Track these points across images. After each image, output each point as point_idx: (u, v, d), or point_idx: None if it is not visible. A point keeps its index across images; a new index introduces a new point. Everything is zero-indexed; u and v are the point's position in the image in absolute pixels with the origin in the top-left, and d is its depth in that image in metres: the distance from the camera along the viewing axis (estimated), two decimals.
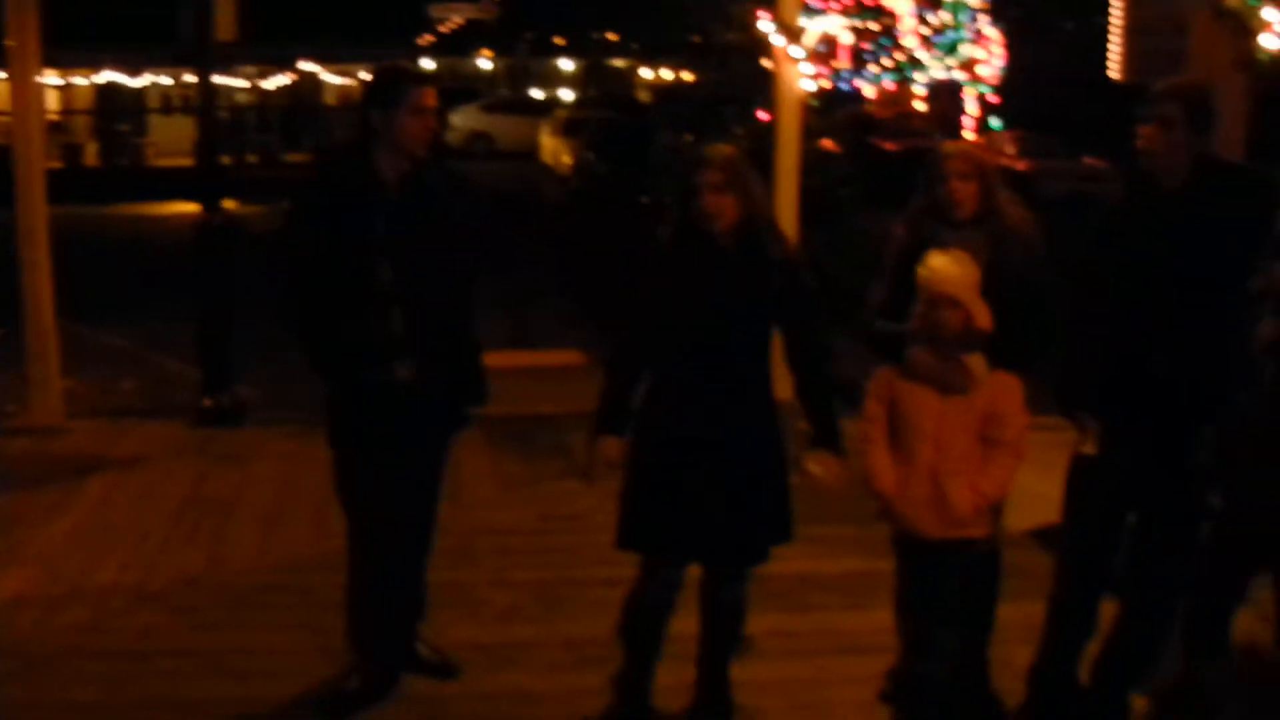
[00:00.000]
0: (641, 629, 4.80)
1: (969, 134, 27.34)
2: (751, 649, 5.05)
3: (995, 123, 27.50)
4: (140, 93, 39.14)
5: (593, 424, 4.71)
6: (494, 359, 5.27)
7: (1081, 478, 4.73)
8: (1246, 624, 4.79)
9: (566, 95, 50.40)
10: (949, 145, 5.09)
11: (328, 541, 5.09)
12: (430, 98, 4.80)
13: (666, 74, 57.24)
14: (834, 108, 29.23)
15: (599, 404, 4.73)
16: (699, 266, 4.55)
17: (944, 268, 4.60)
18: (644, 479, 4.65)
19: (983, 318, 4.57)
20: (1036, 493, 5.03)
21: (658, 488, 4.61)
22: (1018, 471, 4.71)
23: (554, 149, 31.22)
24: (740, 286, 4.54)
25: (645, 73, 59.00)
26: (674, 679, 4.89)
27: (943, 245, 4.70)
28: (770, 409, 4.68)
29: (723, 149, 4.65)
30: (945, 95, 31.77)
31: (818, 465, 4.66)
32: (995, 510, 4.78)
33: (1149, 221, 4.53)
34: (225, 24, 9.63)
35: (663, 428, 4.62)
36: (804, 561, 6.21)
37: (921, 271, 4.62)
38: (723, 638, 4.86)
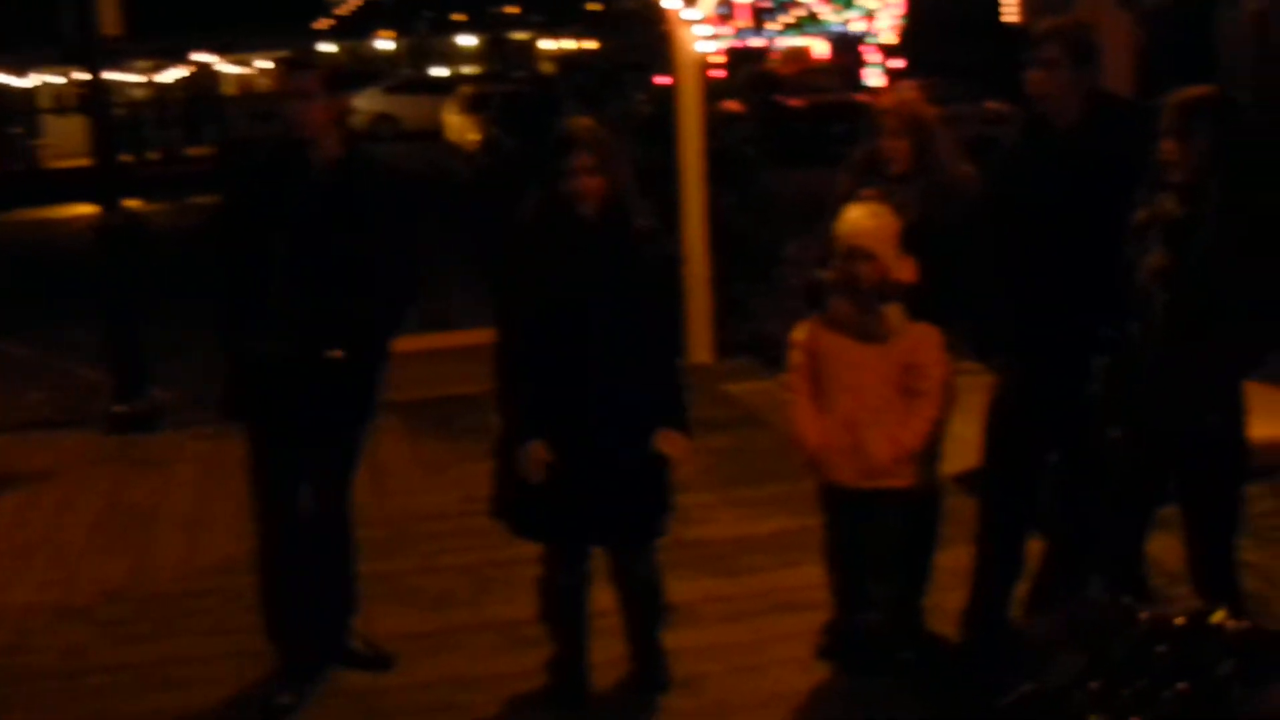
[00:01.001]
0: (561, 612, 4.79)
1: (876, 83, 27.41)
2: (679, 617, 5.04)
3: (897, 72, 27.61)
4: (31, 93, 38.43)
5: (517, 430, 4.61)
6: (410, 342, 5.20)
7: (999, 420, 4.76)
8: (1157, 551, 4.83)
9: (470, 71, 50.07)
10: (885, 100, 5.09)
11: (254, 542, 4.99)
12: (303, 82, 4.72)
13: (569, 44, 56.99)
14: (740, 67, 29.25)
15: (522, 411, 4.62)
16: (566, 244, 4.50)
17: (859, 221, 4.60)
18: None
19: (901, 270, 4.58)
20: (961, 437, 5.04)
21: (548, 476, 4.55)
22: (942, 420, 4.72)
23: (460, 126, 30.96)
24: (608, 261, 4.49)
25: (548, 44, 58.70)
26: (609, 654, 4.88)
27: (869, 199, 4.71)
28: (645, 383, 4.62)
29: (589, 127, 4.57)
30: (846, 48, 31.86)
31: (667, 444, 4.61)
32: (927, 459, 4.79)
33: (1045, 161, 4.58)
34: (110, 18, 9.39)
35: (545, 412, 4.57)
36: (734, 524, 6.23)
37: (838, 224, 4.64)
38: (644, 612, 4.86)
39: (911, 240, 4.62)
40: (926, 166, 4.88)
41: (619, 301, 4.51)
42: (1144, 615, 1.43)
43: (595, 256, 4.49)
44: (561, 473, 4.53)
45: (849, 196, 4.82)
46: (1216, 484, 4.35)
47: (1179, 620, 1.40)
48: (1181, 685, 1.35)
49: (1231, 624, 1.37)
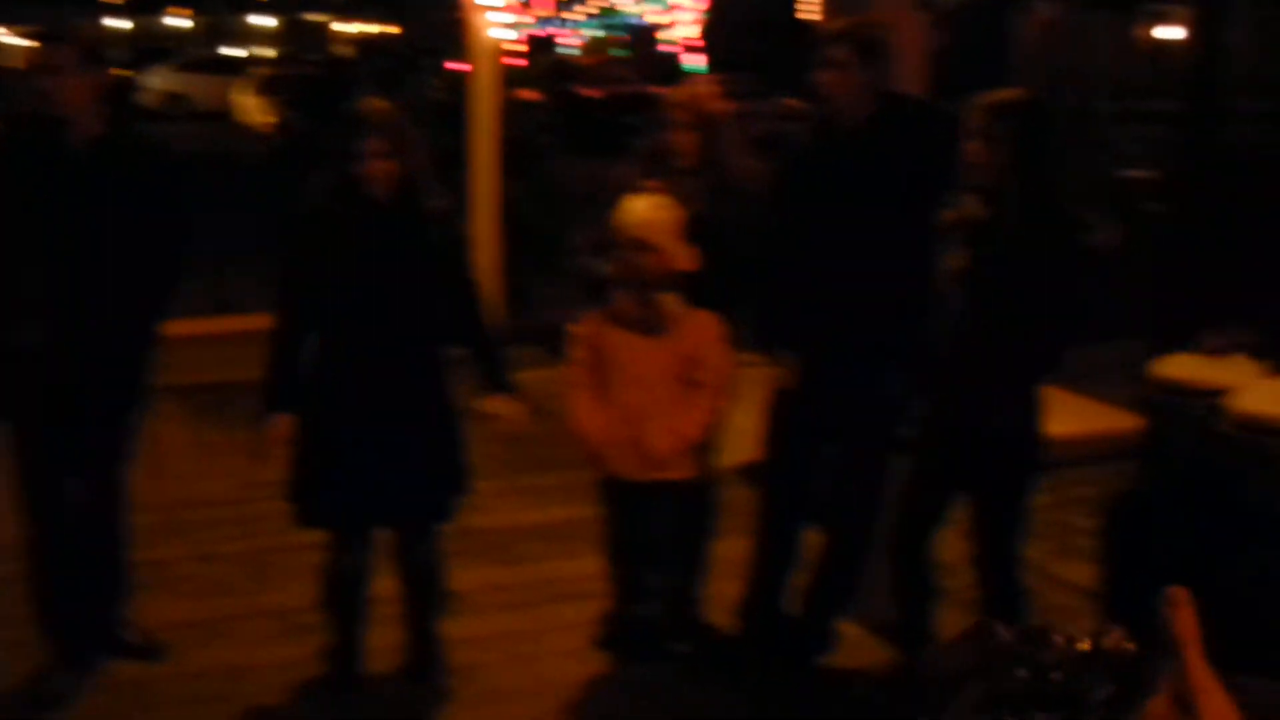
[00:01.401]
0: (341, 599, 4.73)
1: (675, 78, 27.64)
2: (457, 605, 5.02)
3: (696, 66, 27.85)
4: None
5: (261, 400, 4.57)
6: (191, 326, 5.06)
7: (780, 413, 4.82)
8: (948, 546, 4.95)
9: (266, 53, 49.10)
10: (675, 93, 5.09)
11: (22, 531, 4.82)
12: (57, 56, 4.53)
13: (368, 28, 56.23)
14: (539, 56, 29.23)
15: (265, 379, 4.58)
16: (357, 226, 4.45)
17: (640, 212, 4.62)
18: (315, 452, 4.53)
19: (681, 261, 4.61)
20: (742, 429, 5.10)
21: (330, 460, 4.51)
22: (722, 411, 4.77)
23: (254, 107, 30.37)
24: (399, 243, 4.46)
25: (345, 27, 57.84)
26: (385, 641, 4.83)
27: (653, 191, 4.73)
28: (437, 366, 4.61)
29: (382, 110, 4.52)
30: (645, 40, 32.05)
31: (496, 407, 4.62)
32: (705, 450, 4.84)
33: (833, 160, 4.63)
34: None
35: (330, 395, 4.52)
36: (513, 513, 6.22)
37: (620, 216, 4.64)
38: (423, 597, 4.83)
39: (695, 233, 4.65)
40: (713, 161, 4.91)
41: (408, 283, 4.47)
42: (1058, 640, 1.42)
43: (385, 239, 4.44)
44: (340, 455, 4.47)
45: (631, 187, 4.84)
46: (1009, 484, 4.44)
47: (1083, 645, 1.40)
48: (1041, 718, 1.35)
49: (1111, 646, 1.38)
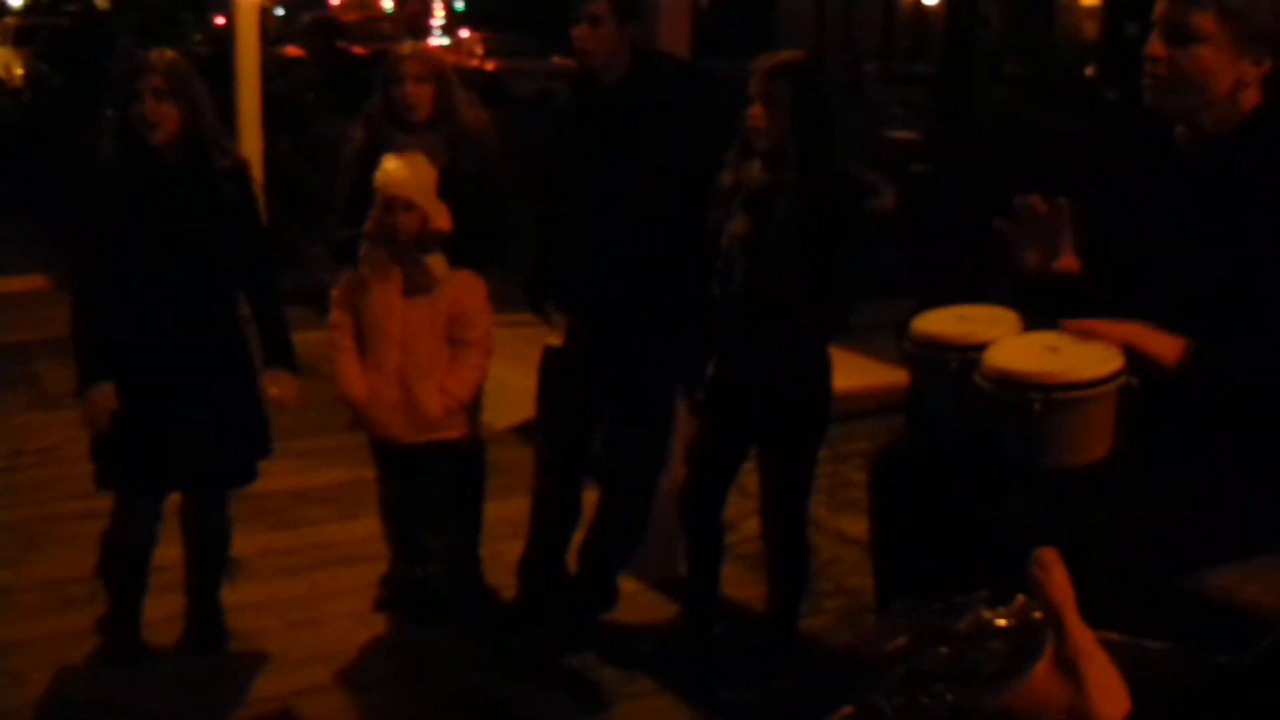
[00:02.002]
0: (124, 565, 4.65)
1: (438, 36, 27.47)
2: (237, 571, 5.00)
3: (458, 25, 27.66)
4: None
5: (78, 371, 4.46)
6: None
7: (552, 371, 4.86)
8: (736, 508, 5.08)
9: (16, 3, 47.05)
10: (404, 47, 5.07)
11: None
12: None
13: None
14: (299, 11, 28.72)
15: (78, 350, 4.46)
16: (144, 182, 4.38)
17: (397, 170, 4.61)
18: (118, 414, 4.45)
19: (440, 219, 4.63)
20: (517, 388, 5.16)
21: (130, 421, 4.43)
22: (489, 369, 4.82)
23: (3, 60, 29.17)
24: (188, 200, 4.39)
25: None
26: (164, 611, 4.78)
27: (399, 148, 4.73)
28: (236, 325, 4.59)
29: (166, 54, 4.45)
30: None
31: (273, 385, 4.61)
32: (473, 409, 4.89)
33: (593, 118, 4.68)
34: None
35: (129, 356, 4.43)
36: (291, 477, 6.18)
37: (377, 175, 4.63)
38: (210, 564, 4.78)
39: (443, 188, 4.67)
40: (448, 113, 4.93)
41: (202, 243, 4.42)
42: (979, 613, 1.40)
43: (177, 198, 4.37)
44: (142, 417, 4.41)
45: (370, 147, 4.83)
46: (800, 443, 4.52)
47: (1001, 621, 1.37)
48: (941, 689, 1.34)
49: (1000, 620, 1.36)
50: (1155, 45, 2.85)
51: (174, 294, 4.41)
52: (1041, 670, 1.30)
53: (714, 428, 4.62)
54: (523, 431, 5.54)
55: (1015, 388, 2.69)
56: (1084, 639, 1.32)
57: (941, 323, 3.05)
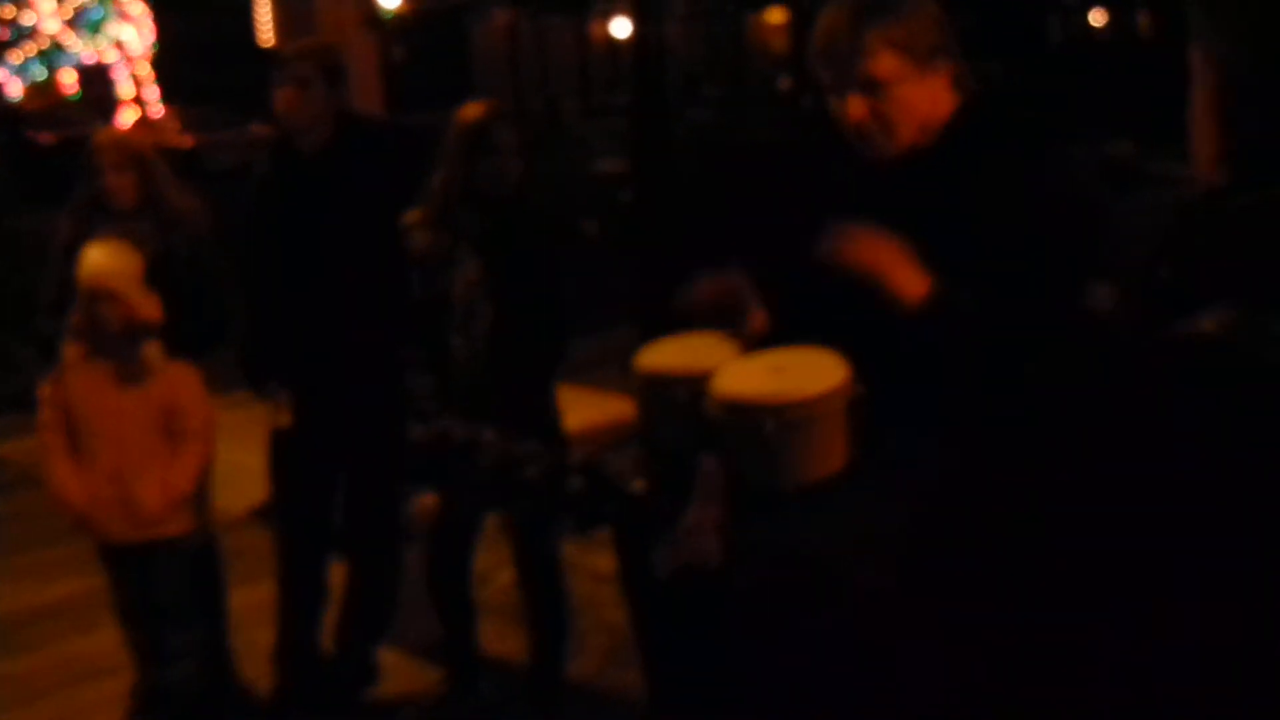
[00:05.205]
0: None
1: (130, 115, 26.71)
2: None
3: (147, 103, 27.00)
4: None
5: None
6: None
7: (282, 449, 4.76)
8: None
9: None
10: (101, 136, 4.93)
11: None
12: None
13: None
14: None
15: None
16: None
17: (99, 261, 4.44)
18: None
19: (148, 308, 4.46)
20: (251, 469, 5.00)
21: None
22: (218, 454, 4.66)
23: None
24: None
25: None
26: None
27: (104, 237, 4.56)
28: None
29: None
30: (97, 78, 30.80)
31: None
32: (200, 500, 4.71)
33: (296, 187, 4.60)
34: None
35: None
36: (20, 595, 5.89)
37: (79, 267, 4.45)
38: None
39: (153, 275, 4.52)
40: (154, 198, 4.80)
41: None
42: (488, 437, 1.56)
43: None
44: None
45: (77, 239, 4.67)
46: (550, 487, 4.50)
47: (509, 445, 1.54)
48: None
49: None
50: (855, 107, 2.87)
51: None
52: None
53: (455, 482, 4.56)
54: (261, 514, 5.36)
55: (745, 413, 2.70)
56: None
57: (665, 356, 3.05)
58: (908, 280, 2.73)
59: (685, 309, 3.09)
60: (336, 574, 4.88)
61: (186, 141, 24.73)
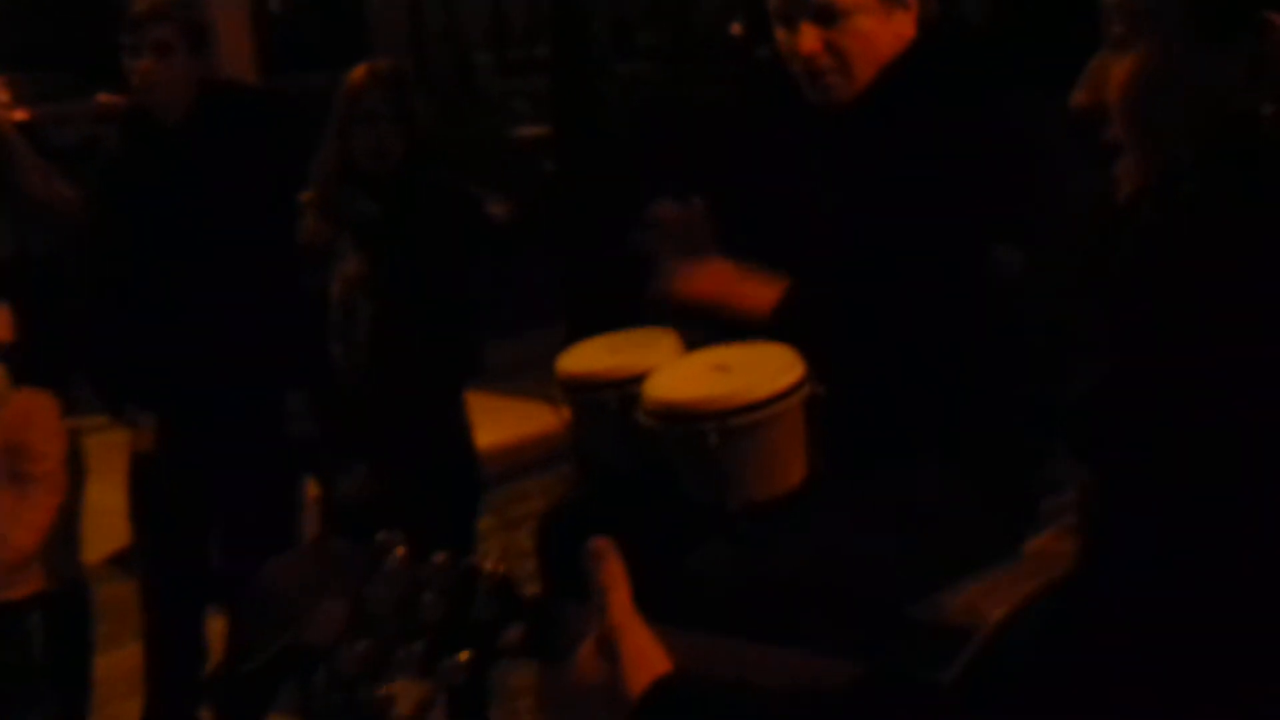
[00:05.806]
0: None
1: None
2: None
3: None
4: None
5: None
6: None
7: (145, 483, 4.72)
8: None
9: None
10: None
11: None
12: None
13: None
14: None
15: None
16: None
17: None
18: None
19: None
20: (109, 510, 4.99)
21: None
22: (63, 507, 4.63)
23: None
24: None
25: None
26: None
27: None
28: None
29: None
30: None
31: None
32: (60, 551, 4.68)
33: (152, 165, 4.58)
34: None
35: None
36: None
37: None
38: None
39: (6, 284, 4.50)
40: (8, 189, 4.75)
41: None
42: (400, 553, 1.60)
43: None
44: None
45: None
46: (448, 521, 4.54)
47: (439, 560, 1.59)
48: (465, 653, 1.54)
49: (488, 567, 1.58)
50: (808, 39, 2.92)
51: None
52: (585, 650, 1.52)
53: (350, 508, 4.59)
54: (121, 562, 5.34)
55: (684, 420, 2.71)
56: (626, 618, 1.53)
57: (591, 357, 3.07)
58: (752, 294, 2.82)
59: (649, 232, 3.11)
60: (215, 629, 4.87)
61: (20, 114, 24.52)
